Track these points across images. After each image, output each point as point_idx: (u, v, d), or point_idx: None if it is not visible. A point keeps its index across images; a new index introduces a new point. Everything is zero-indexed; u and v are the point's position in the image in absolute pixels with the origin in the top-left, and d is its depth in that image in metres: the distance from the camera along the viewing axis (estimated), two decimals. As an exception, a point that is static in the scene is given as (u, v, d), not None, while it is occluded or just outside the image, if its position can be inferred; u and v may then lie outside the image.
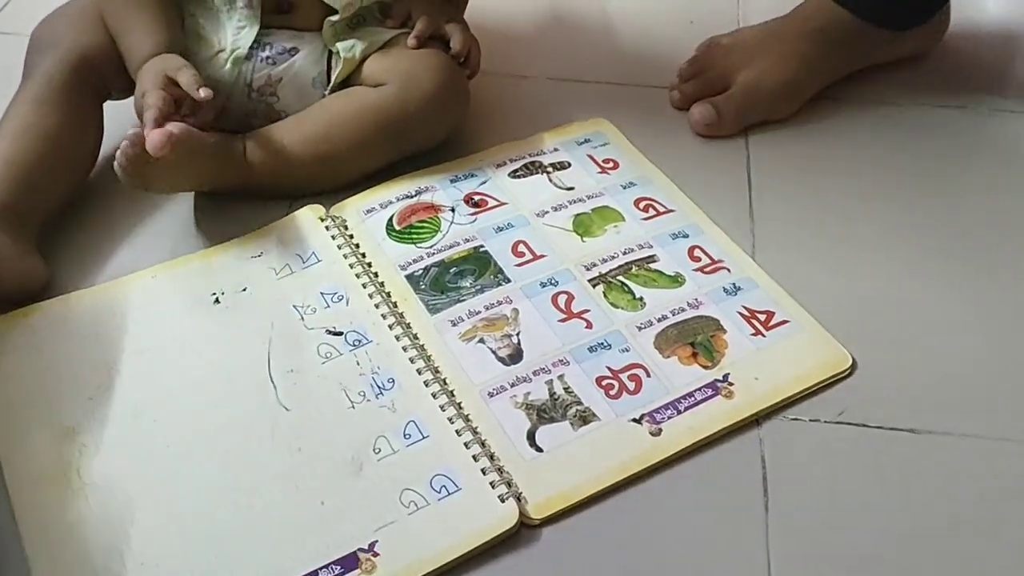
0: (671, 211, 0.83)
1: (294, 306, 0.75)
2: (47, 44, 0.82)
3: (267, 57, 0.83)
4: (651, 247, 0.80)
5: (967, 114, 0.94)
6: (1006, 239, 0.81)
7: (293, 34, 0.84)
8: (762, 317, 0.74)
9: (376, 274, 0.78)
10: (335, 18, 0.83)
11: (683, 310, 0.75)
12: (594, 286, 0.77)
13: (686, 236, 0.81)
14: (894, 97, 0.95)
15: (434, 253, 0.79)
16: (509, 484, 0.64)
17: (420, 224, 0.82)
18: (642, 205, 0.84)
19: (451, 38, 0.85)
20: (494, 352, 0.72)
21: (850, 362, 0.71)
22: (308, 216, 0.82)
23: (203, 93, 0.75)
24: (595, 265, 0.78)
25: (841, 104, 0.94)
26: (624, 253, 0.79)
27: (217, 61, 0.83)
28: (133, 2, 0.81)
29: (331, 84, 0.84)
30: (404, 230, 0.81)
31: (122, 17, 0.81)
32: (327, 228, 0.81)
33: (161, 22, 0.81)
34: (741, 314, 0.74)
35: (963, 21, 1.01)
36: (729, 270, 0.78)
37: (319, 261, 0.78)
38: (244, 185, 0.82)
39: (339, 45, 0.83)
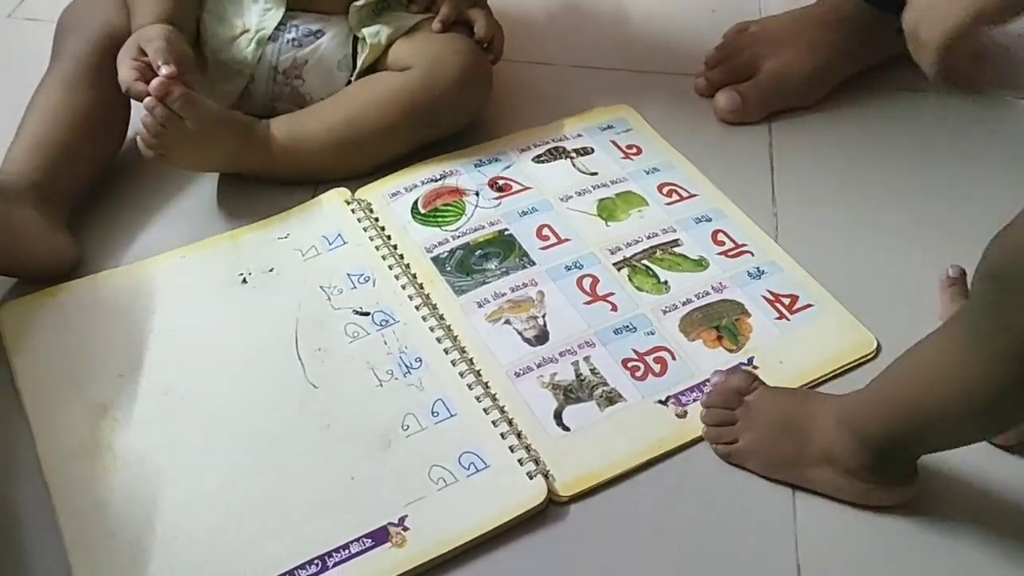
0: (694, 196, 0.84)
1: (321, 287, 0.76)
2: (74, 26, 0.83)
3: (293, 39, 0.84)
4: (675, 231, 0.80)
5: (992, 102, 0.94)
6: (1029, 226, 0.81)
7: (319, 17, 0.85)
8: (786, 301, 0.75)
9: (402, 256, 0.78)
10: (360, 3, 0.84)
11: (707, 294, 0.75)
12: (619, 270, 0.77)
13: (709, 220, 0.81)
14: (917, 84, 0.95)
15: (459, 236, 0.80)
16: (537, 462, 0.64)
17: (445, 207, 0.82)
18: (666, 190, 0.84)
19: (475, 23, 0.85)
20: (520, 333, 0.72)
21: (875, 345, 0.71)
22: (334, 199, 0.82)
23: (165, 69, 0.74)
24: (619, 249, 0.79)
25: (864, 90, 0.94)
26: (648, 237, 0.80)
27: (241, 42, 0.84)
28: None
29: (357, 69, 0.85)
30: (429, 213, 0.82)
31: None
32: (353, 211, 0.81)
33: None
34: (765, 298, 0.75)
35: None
36: (753, 254, 0.78)
37: (345, 243, 0.79)
38: (267, 168, 0.83)
39: (365, 31, 0.84)
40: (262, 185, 0.84)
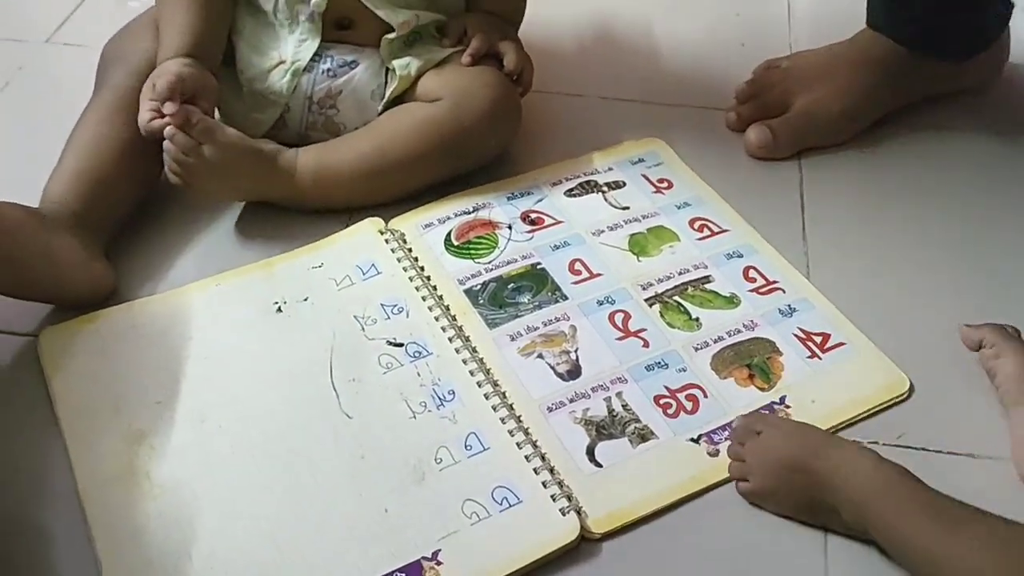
0: (725, 231, 0.84)
1: (355, 317, 0.76)
2: (117, 58, 0.84)
3: (327, 70, 0.85)
4: (706, 267, 0.81)
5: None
6: (1062, 267, 0.82)
7: (353, 48, 0.86)
8: (818, 339, 0.75)
9: (435, 287, 0.79)
10: (392, 36, 0.85)
11: (739, 331, 0.76)
12: (650, 305, 0.77)
13: (741, 256, 0.82)
14: (951, 124, 0.96)
15: (492, 269, 0.80)
16: (569, 498, 0.64)
17: (478, 240, 0.83)
18: (697, 225, 0.84)
19: (505, 56, 0.86)
20: (553, 368, 0.73)
21: (908, 385, 0.71)
22: (368, 229, 0.83)
23: (169, 107, 0.76)
24: (651, 284, 0.79)
25: (896, 129, 0.95)
26: (680, 273, 0.80)
27: (276, 73, 0.85)
28: (176, 7, 0.82)
29: (385, 100, 0.86)
30: (462, 245, 0.82)
31: (163, 22, 0.83)
32: (387, 241, 0.82)
33: (192, 29, 0.82)
34: (797, 336, 0.75)
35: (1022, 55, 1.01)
36: (784, 291, 0.79)
37: (379, 273, 0.80)
38: (295, 197, 0.84)
39: (395, 62, 0.85)
40: (296, 214, 0.85)
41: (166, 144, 0.77)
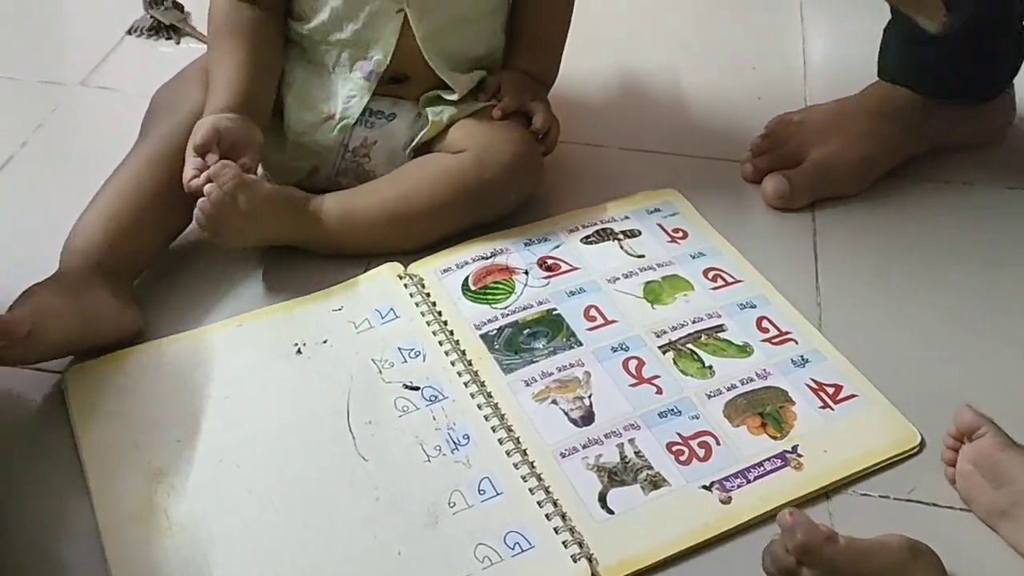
0: (739, 281, 0.85)
1: (372, 360, 0.78)
2: (165, 108, 0.86)
3: (366, 120, 0.88)
4: (720, 316, 0.82)
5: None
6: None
7: (393, 101, 0.88)
8: (830, 390, 0.76)
9: (452, 332, 0.80)
10: (453, 97, 0.87)
11: (752, 380, 0.76)
12: (664, 353, 0.78)
13: (754, 307, 0.83)
14: (963, 176, 0.97)
15: (508, 314, 0.81)
16: (581, 544, 0.65)
17: (495, 285, 0.84)
18: (711, 275, 0.86)
19: (534, 115, 0.89)
20: (566, 413, 0.74)
21: (919, 440, 0.72)
22: (387, 273, 0.85)
23: (209, 160, 0.78)
24: (665, 332, 0.80)
25: (908, 181, 0.96)
26: (693, 321, 0.81)
27: (325, 127, 0.87)
28: (225, 61, 0.84)
29: (415, 143, 0.88)
30: (479, 291, 0.84)
31: (212, 75, 0.85)
32: (405, 285, 0.84)
33: (238, 84, 0.83)
34: (809, 386, 0.76)
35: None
36: (797, 342, 0.80)
37: (397, 317, 0.81)
38: (319, 242, 0.85)
39: (429, 109, 0.87)
40: (316, 257, 0.86)
41: (201, 201, 0.78)
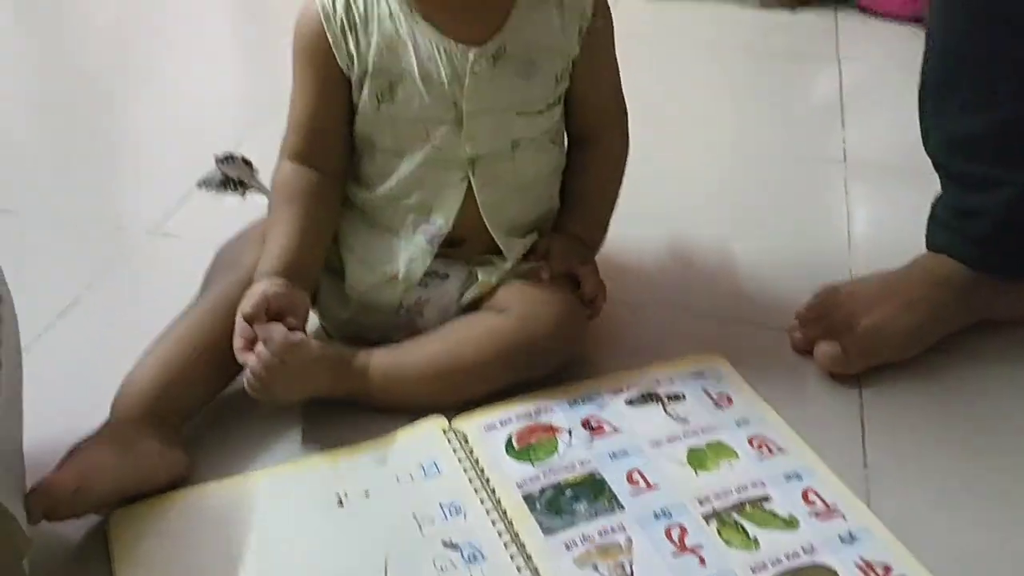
0: (784, 451, 0.84)
1: (414, 515, 0.77)
2: (226, 265, 0.90)
3: (423, 281, 0.91)
4: (765, 486, 0.81)
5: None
6: None
7: (447, 262, 0.92)
8: (880, 571, 0.73)
9: (494, 491, 0.80)
10: (507, 265, 0.90)
11: (798, 555, 0.75)
12: (708, 522, 0.77)
13: (800, 478, 0.82)
14: (1014, 352, 0.96)
15: (551, 474, 0.81)
16: None
17: (538, 444, 0.84)
18: (756, 443, 0.85)
19: (583, 281, 0.91)
20: (607, 580, 0.72)
21: (971, 625, 0.69)
22: (431, 427, 0.86)
23: (236, 343, 0.81)
24: (709, 500, 0.79)
25: (958, 354, 0.96)
26: (738, 491, 0.80)
27: (389, 288, 0.90)
28: (279, 227, 0.88)
29: (463, 301, 0.90)
30: (523, 449, 0.84)
31: (267, 239, 0.88)
32: (449, 441, 0.84)
33: (287, 251, 0.86)
34: (858, 565, 0.74)
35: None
36: (845, 518, 0.78)
37: (440, 473, 0.81)
38: (364, 396, 0.87)
39: (480, 269, 0.90)
40: (364, 410, 0.87)
41: (251, 363, 0.80)
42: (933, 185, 1.00)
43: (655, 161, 1.27)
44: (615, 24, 0.92)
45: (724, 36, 1.68)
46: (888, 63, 1.62)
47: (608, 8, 0.92)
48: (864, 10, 1.74)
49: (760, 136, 1.40)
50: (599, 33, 0.90)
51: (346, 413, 0.87)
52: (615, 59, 0.94)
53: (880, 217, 1.23)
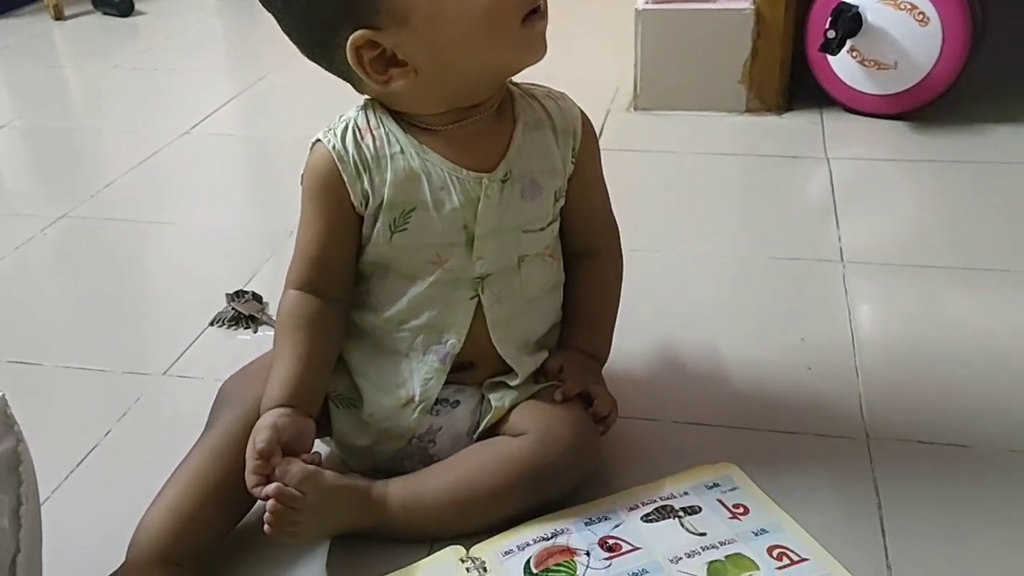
0: (805, 560, 0.84)
1: (436, 649, 0.77)
2: (230, 400, 0.91)
3: (433, 408, 0.92)
4: (788, 598, 0.80)
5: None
6: None
7: (457, 388, 0.93)
8: None
9: (515, 618, 0.79)
10: (514, 382, 0.91)
11: (826, 666, 0.73)
12: (733, 638, 0.76)
13: (823, 586, 0.81)
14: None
15: (571, 598, 0.81)
16: None
17: (557, 567, 0.84)
18: (775, 553, 0.84)
19: (596, 400, 0.93)
20: None
21: None
22: (449, 557, 0.85)
23: (251, 480, 0.81)
24: (732, 616, 0.78)
25: (978, 450, 0.96)
26: (761, 604, 0.79)
27: (406, 411, 0.91)
28: (282, 356, 0.89)
29: (480, 430, 0.91)
30: (541, 572, 0.83)
31: (272, 369, 0.89)
32: (468, 570, 0.84)
33: (291, 380, 0.87)
34: (888, 675, 0.73)
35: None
36: (871, 625, 0.77)
37: (460, 603, 0.81)
38: (382, 527, 0.87)
39: (492, 395, 0.92)
40: (380, 543, 0.87)
41: (270, 502, 0.80)
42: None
43: (651, 270, 1.30)
44: (607, 137, 0.96)
45: (713, 143, 1.73)
46: (876, 159, 1.66)
47: (592, 127, 0.97)
48: (849, 109, 1.80)
49: (755, 239, 1.43)
50: (588, 150, 0.94)
51: (364, 546, 0.87)
52: (602, 174, 0.98)
53: (883, 315, 1.24)
